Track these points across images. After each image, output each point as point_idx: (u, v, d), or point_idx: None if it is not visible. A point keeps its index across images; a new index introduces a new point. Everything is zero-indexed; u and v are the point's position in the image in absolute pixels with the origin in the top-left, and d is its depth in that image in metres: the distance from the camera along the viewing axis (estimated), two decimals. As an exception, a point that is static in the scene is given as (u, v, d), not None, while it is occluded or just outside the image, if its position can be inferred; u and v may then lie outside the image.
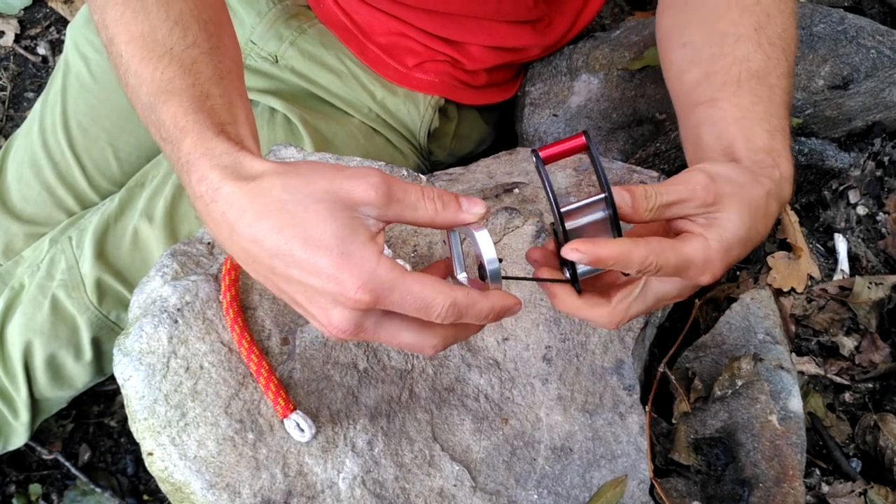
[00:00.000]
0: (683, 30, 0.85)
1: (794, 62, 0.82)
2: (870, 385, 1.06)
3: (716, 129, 0.77)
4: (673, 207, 0.66)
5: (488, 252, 0.61)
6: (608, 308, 0.69)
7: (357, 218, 0.58)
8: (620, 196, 0.64)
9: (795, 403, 0.91)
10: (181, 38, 0.71)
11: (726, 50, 0.79)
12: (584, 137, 0.65)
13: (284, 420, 0.79)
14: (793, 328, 1.08)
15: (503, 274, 0.63)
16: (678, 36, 0.86)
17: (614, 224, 0.65)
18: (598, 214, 0.66)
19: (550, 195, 0.64)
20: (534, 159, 0.65)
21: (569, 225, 0.65)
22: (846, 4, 1.43)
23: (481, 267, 0.63)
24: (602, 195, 0.65)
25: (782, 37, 0.80)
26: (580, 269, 0.67)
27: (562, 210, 0.64)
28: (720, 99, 0.77)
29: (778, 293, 1.09)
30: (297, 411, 0.80)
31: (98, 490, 1.39)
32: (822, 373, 1.06)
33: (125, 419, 1.43)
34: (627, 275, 0.67)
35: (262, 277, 0.62)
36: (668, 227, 0.70)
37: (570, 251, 0.63)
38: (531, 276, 0.70)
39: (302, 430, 0.79)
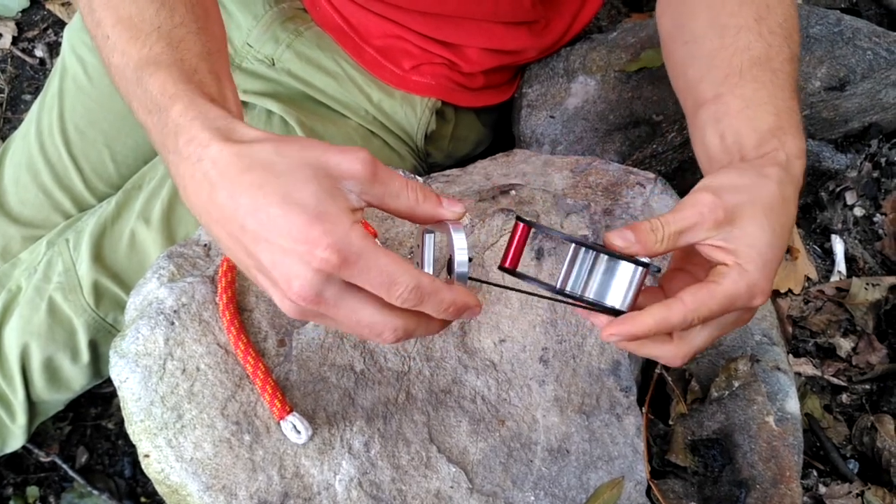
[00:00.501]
0: (684, 27, 0.85)
1: (798, 50, 0.81)
2: (867, 386, 1.06)
3: (720, 126, 0.76)
4: (686, 234, 0.64)
5: (460, 251, 0.61)
6: (671, 345, 0.68)
7: (339, 189, 0.58)
8: (622, 235, 0.63)
9: (792, 405, 0.91)
10: (168, 18, 0.71)
11: (727, 42, 0.79)
12: (520, 223, 0.65)
13: (281, 422, 0.79)
14: (790, 329, 1.08)
15: (470, 275, 0.62)
16: (679, 34, 0.86)
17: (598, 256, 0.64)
18: (603, 265, 0.64)
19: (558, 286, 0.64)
20: (507, 274, 0.66)
21: (584, 292, 0.64)
22: (843, 6, 1.43)
23: (450, 263, 0.62)
24: (590, 249, 0.64)
25: (783, 26, 0.80)
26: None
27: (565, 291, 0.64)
28: (723, 94, 0.77)
29: (775, 294, 1.09)
30: (294, 413, 0.80)
31: (95, 492, 1.39)
32: (819, 374, 1.06)
33: (122, 421, 1.43)
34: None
35: (232, 239, 0.60)
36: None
37: (607, 336, 0.63)
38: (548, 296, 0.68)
39: (298, 432, 0.79)
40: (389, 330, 0.60)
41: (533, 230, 0.64)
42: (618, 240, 0.63)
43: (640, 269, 0.64)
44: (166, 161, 0.65)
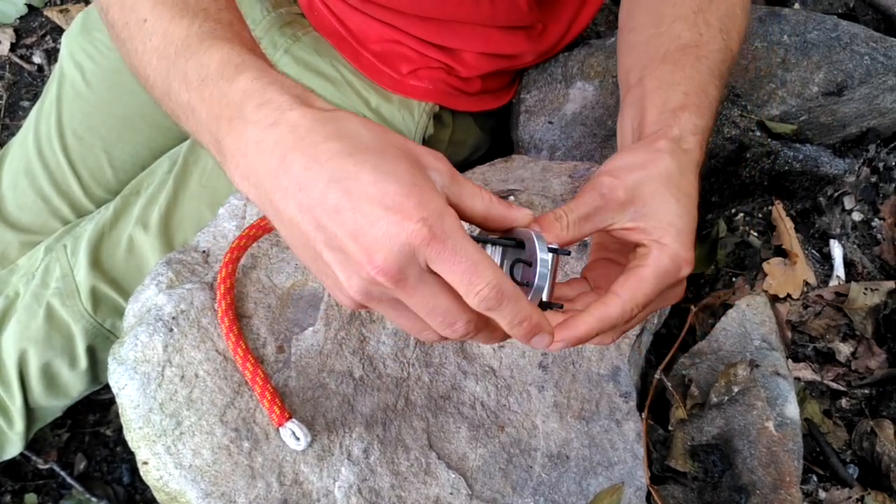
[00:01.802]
0: (631, 15, 0.87)
1: (735, 46, 0.82)
2: (866, 391, 1.06)
3: (635, 109, 0.77)
4: (592, 220, 0.65)
5: (543, 262, 0.59)
6: (609, 332, 0.66)
7: (428, 175, 0.56)
8: (528, 231, 0.61)
9: (792, 410, 0.91)
10: (213, 3, 0.70)
11: (662, 30, 0.80)
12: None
13: (280, 429, 0.79)
14: (789, 334, 1.08)
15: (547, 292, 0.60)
16: (626, 24, 0.88)
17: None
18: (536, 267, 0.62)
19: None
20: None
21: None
22: (840, 11, 1.43)
23: (512, 273, 0.61)
24: (496, 245, 0.62)
25: (722, 20, 0.81)
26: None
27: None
28: (644, 77, 0.77)
29: (774, 299, 1.09)
30: (293, 420, 0.79)
31: (94, 499, 1.38)
32: (818, 379, 1.06)
33: (121, 428, 1.42)
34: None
35: (301, 210, 0.55)
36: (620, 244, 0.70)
37: (555, 347, 0.62)
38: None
39: (298, 439, 0.79)
40: (463, 322, 0.56)
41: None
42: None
43: (552, 255, 0.61)
44: (218, 134, 0.61)
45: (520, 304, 0.56)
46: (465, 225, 0.58)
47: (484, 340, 0.61)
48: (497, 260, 0.62)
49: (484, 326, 0.59)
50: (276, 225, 0.59)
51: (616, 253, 0.72)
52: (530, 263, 0.61)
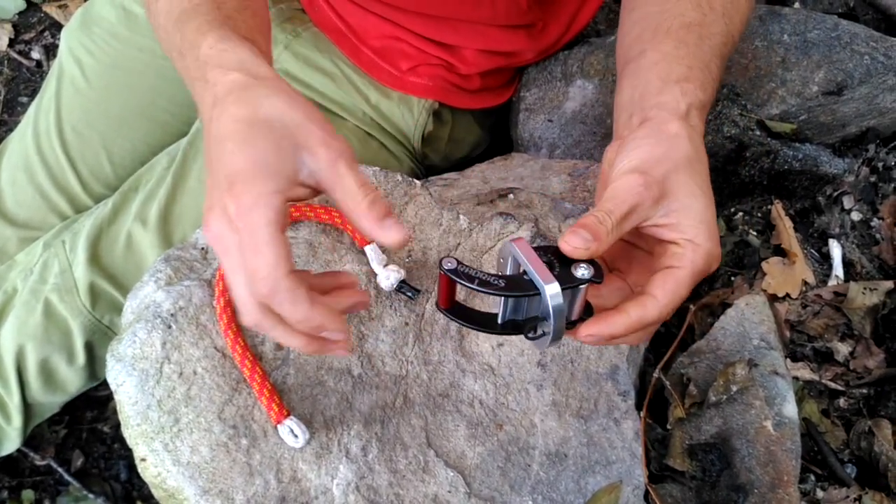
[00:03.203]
0: None
1: (736, 32, 0.82)
2: (864, 391, 1.06)
3: (635, 80, 0.77)
4: (630, 219, 0.65)
5: (556, 309, 0.61)
6: (638, 333, 0.67)
7: (292, 157, 0.64)
8: (580, 237, 0.62)
9: (790, 409, 0.91)
10: None
11: (666, 7, 0.81)
12: (442, 272, 0.63)
13: (278, 426, 0.79)
14: (787, 334, 1.08)
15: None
16: (628, 3, 0.88)
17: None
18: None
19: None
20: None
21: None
22: (840, 11, 1.43)
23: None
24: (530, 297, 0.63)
25: (725, 6, 0.81)
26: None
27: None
28: (647, 49, 0.78)
29: (773, 299, 1.09)
30: (291, 417, 0.79)
31: (91, 496, 1.38)
32: (816, 378, 1.06)
33: (118, 425, 1.42)
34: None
35: (208, 156, 0.67)
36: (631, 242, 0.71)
37: (584, 336, 0.63)
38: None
39: (296, 436, 0.79)
40: (251, 309, 0.63)
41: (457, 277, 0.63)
42: (578, 241, 0.62)
43: (584, 286, 0.63)
44: (195, 96, 0.72)
45: (296, 306, 0.61)
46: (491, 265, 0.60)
47: (282, 339, 0.66)
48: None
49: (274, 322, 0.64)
50: None
51: (632, 236, 0.71)
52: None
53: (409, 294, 0.88)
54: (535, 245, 0.64)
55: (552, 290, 0.60)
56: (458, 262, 0.62)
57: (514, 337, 0.87)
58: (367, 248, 0.88)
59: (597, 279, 0.62)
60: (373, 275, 0.88)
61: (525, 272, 0.62)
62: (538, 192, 0.99)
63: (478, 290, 0.61)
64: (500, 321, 0.66)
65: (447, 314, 0.65)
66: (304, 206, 0.89)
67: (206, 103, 0.69)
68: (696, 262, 0.65)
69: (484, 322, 0.66)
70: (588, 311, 0.65)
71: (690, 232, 0.66)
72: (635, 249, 0.72)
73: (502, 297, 0.64)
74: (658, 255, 0.68)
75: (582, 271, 0.62)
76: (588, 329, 0.64)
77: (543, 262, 0.62)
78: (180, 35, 0.74)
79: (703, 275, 0.66)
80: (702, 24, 0.79)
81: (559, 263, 0.62)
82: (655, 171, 0.66)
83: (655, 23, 0.80)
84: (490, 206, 0.97)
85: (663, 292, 0.64)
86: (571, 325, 0.65)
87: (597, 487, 0.84)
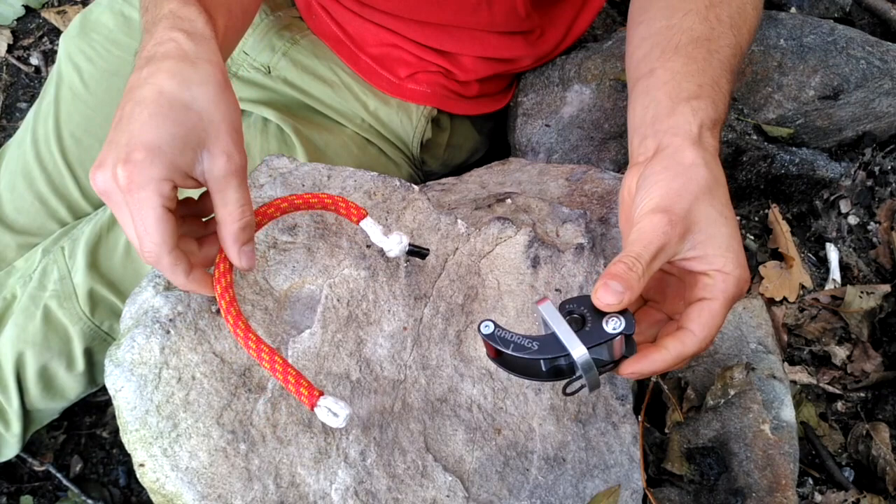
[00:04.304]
0: (642, 7, 0.87)
1: (744, 43, 0.83)
2: (862, 394, 1.06)
3: (647, 98, 0.77)
4: (658, 257, 0.66)
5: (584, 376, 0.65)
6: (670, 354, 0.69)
7: (194, 151, 0.69)
8: (612, 291, 0.63)
9: (788, 413, 0.91)
10: None
11: (673, 22, 0.81)
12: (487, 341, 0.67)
13: (315, 409, 0.74)
14: (785, 337, 1.08)
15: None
16: (638, 15, 0.88)
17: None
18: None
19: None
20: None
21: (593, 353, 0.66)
22: (836, 16, 1.44)
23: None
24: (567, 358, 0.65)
25: (733, 17, 0.82)
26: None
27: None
28: (657, 68, 0.78)
29: (770, 302, 1.09)
30: (325, 395, 0.75)
31: (90, 501, 1.38)
32: (814, 382, 1.06)
33: (117, 430, 1.42)
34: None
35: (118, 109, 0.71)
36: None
37: (627, 374, 0.66)
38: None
39: (336, 415, 0.74)
40: (149, 254, 0.70)
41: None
42: (610, 298, 0.63)
43: (618, 338, 0.65)
44: (140, 46, 0.75)
45: (175, 277, 0.72)
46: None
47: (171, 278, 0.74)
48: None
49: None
50: None
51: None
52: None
53: (421, 256, 0.87)
54: (565, 299, 0.66)
55: (579, 354, 0.63)
56: (496, 326, 0.66)
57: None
58: (363, 223, 0.85)
59: (627, 331, 0.64)
60: (379, 254, 0.88)
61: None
62: (536, 196, 0.99)
63: (513, 355, 0.65)
64: (544, 369, 0.68)
65: (497, 363, 0.68)
66: (282, 202, 0.85)
67: (142, 56, 0.72)
68: (727, 291, 0.67)
69: (530, 371, 0.69)
70: (630, 348, 0.67)
71: (719, 262, 0.67)
72: (667, 276, 0.73)
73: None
74: (690, 285, 0.69)
75: (614, 323, 0.64)
76: (630, 368, 0.66)
77: (575, 317, 0.65)
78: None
79: (735, 300, 0.68)
80: (710, 39, 0.79)
81: (591, 315, 0.65)
82: (678, 207, 0.67)
83: (664, 39, 0.80)
84: (488, 210, 0.97)
85: (699, 326, 0.66)
86: (615, 364, 0.67)
87: (595, 492, 0.85)
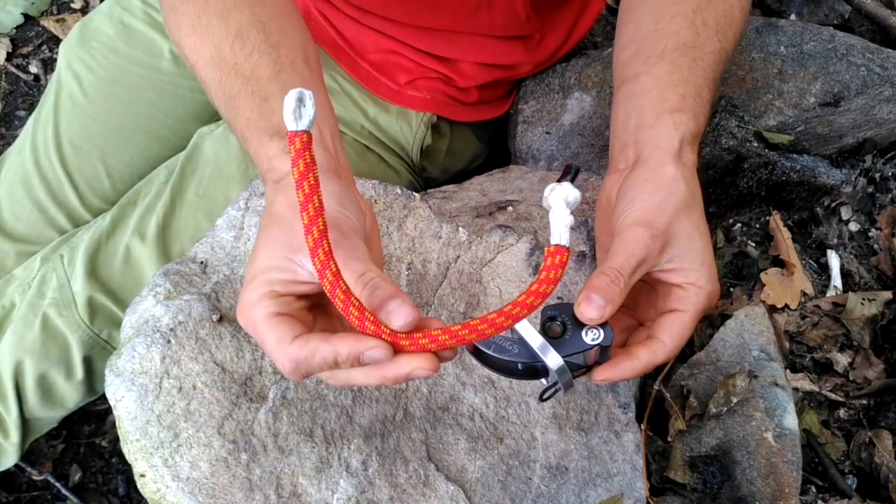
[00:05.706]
0: (630, 9, 0.89)
1: (729, 47, 0.84)
2: (864, 401, 1.06)
3: (629, 104, 0.80)
4: (639, 270, 0.68)
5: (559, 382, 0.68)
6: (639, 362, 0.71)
7: (294, 263, 0.65)
8: (594, 306, 0.65)
9: (790, 420, 0.91)
10: (241, 50, 0.78)
11: (661, 26, 0.82)
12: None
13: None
14: (787, 345, 1.08)
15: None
16: (626, 16, 0.89)
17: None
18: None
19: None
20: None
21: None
22: (836, 23, 1.44)
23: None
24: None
25: (719, 21, 0.83)
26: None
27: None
28: (641, 73, 0.80)
29: (772, 310, 1.09)
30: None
31: (89, 511, 1.38)
32: (816, 389, 1.06)
33: (116, 439, 1.42)
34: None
35: None
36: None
37: (599, 380, 0.69)
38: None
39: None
40: (284, 370, 0.64)
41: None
42: (593, 312, 0.65)
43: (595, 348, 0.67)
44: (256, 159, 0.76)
45: (315, 360, 0.62)
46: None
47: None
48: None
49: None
50: None
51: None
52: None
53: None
54: (547, 305, 0.67)
55: (555, 364, 0.65)
56: None
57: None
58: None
59: (605, 343, 0.66)
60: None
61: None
62: (537, 204, 0.99)
63: (494, 356, 0.66)
64: (520, 368, 0.69)
65: (474, 356, 0.70)
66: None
67: (270, 179, 0.73)
68: (699, 304, 0.70)
69: (506, 369, 0.70)
70: (604, 355, 0.69)
71: (693, 276, 0.70)
72: (641, 284, 0.75)
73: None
74: (662, 295, 0.72)
75: (593, 334, 0.66)
76: (602, 375, 0.69)
77: (556, 324, 0.67)
78: (233, 125, 0.78)
79: (704, 313, 0.71)
80: (695, 45, 0.81)
81: (571, 323, 0.67)
82: (659, 221, 0.70)
83: (650, 43, 0.82)
84: (489, 218, 0.97)
85: (670, 337, 0.70)
86: (587, 368, 0.70)
87: (598, 500, 0.84)
